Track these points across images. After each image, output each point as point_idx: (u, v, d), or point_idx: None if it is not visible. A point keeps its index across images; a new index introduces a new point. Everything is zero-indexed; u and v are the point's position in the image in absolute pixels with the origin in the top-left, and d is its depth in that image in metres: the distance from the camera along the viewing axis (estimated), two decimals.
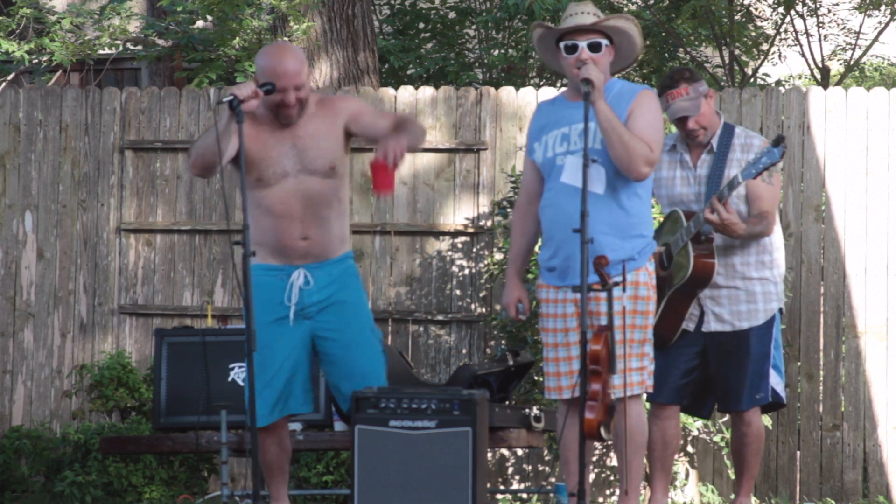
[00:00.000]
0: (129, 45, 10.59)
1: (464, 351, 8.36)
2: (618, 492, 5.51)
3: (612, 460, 7.95)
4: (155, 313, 8.55)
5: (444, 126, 8.45)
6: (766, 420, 7.75)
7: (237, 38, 9.79)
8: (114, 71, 12.01)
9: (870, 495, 8.01)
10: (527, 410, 6.72)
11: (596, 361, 5.08)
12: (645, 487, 7.03)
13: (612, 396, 5.16)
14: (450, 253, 8.42)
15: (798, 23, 12.97)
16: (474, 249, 8.39)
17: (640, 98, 5.35)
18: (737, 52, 12.63)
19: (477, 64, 12.10)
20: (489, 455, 8.03)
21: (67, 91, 8.79)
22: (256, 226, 5.36)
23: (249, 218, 5.29)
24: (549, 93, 8.25)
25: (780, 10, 12.71)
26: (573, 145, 5.33)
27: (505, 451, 8.21)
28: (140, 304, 8.59)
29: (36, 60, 10.18)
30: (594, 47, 5.34)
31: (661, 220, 6.03)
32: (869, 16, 12.89)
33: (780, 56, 13.68)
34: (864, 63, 15.28)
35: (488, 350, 8.34)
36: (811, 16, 12.85)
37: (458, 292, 8.40)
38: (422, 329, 8.42)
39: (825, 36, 13.22)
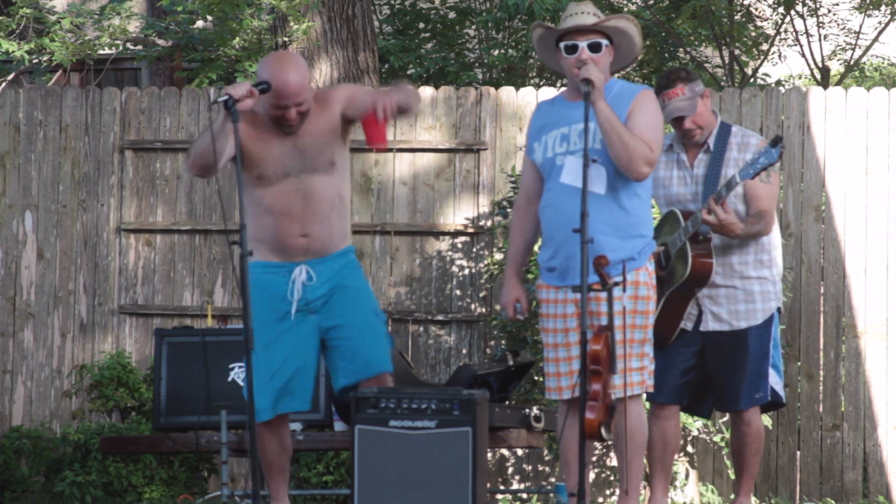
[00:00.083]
0: (129, 45, 10.59)
1: (464, 351, 8.37)
2: (618, 492, 5.51)
3: (612, 460, 7.95)
4: (155, 313, 8.55)
5: (444, 126, 8.45)
6: (766, 420, 7.75)
7: (237, 38, 9.79)
8: (114, 71, 12.01)
9: (870, 495, 8.01)
10: (527, 410, 6.72)
11: (596, 361, 5.08)
12: (645, 487, 7.03)
13: (613, 396, 5.17)
14: (450, 253, 8.42)
15: (798, 23, 12.97)
16: (474, 249, 8.39)
17: (639, 98, 5.35)
18: (737, 52, 12.63)
19: (477, 64, 12.10)
20: (489, 455, 8.03)
21: (67, 91, 8.79)
22: (256, 223, 5.38)
23: (249, 216, 5.32)
24: (549, 93, 8.25)
25: (780, 10, 12.71)
26: (573, 145, 5.33)
27: (505, 451, 8.21)
28: (140, 304, 8.59)
29: (36, 60, 10.19)
30: (594, 47, 5.34)
31: (659, 220, 6.03)
32: (869, 16, 12.88)
33: (780, 56, 13.68)
34: (864, 63, 15.27)
35: (488, 350, 8.34)
36: (811, 16, 12.85)
37: (458, 292, 8.40)
38: (422, 329, 8.42)
39: (825, 36, 13.22)
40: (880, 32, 12.87)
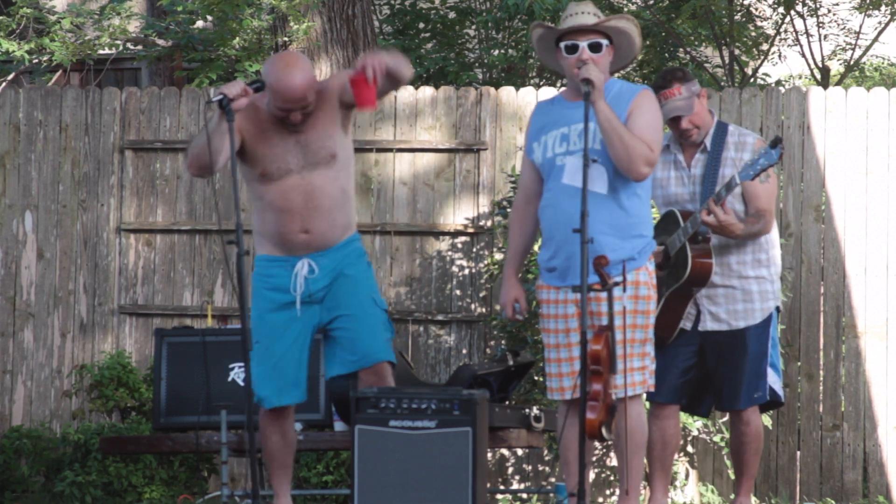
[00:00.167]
0: (129, 45, 10.59)
1: (464, 351, 8.37)
2: (618, 492, 5.51)
3: (612, 460, 7.95)
4: (155, 313, 8.55)
5: (444, 126, 8.45)
6: (766, 420, 7.75)
7: (237, 38, 9.79)
8: (114, 71, 12.01)
9: (870, 495, 8.01)
10: (527, 410, 6.72)
11: (597, 361, 5.08)
12: (645, 487, 7.03)
13: (614, 396, 5.17)
14: (450, 253, 8.42)
15: (798, 23, 12.97)
16: (474, 249, 8.39)
17: (639, 98, 5.35)
18: (737, 52, 12.63)
19: (477, 64, 12.10)
20: (489, 455, 8.03)
21: (67, 91, 8.79)
22: (260, 219, 5.42)
23: (253, 211, 5.38)
24: (549, 93, 8.25)
25: (780, 10, 12.71)
26: (573, 145, 5.33)
27: (505, 451, 8.21)
28: (140, 304, 8.59)
29: (36, 60, 10.18)
30: (594, 47, 5.34)
31: (658, 220, 6.03)
32: (869, 16, 12.88)
33: (780, 56, 13.67)
34: (864, 63, 15.27)
35: (488, 350, 8.34)
36: (811, 16, 12.85)
37: (458, 292, 8.40)
38: (422, 329, 8.42)
39: (825, 36, 13.22)
40: (880, 32, 12.87)
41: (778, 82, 14.87)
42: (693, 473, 8.09)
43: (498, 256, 8.27)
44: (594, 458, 7.89)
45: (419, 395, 5.09)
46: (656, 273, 5.59)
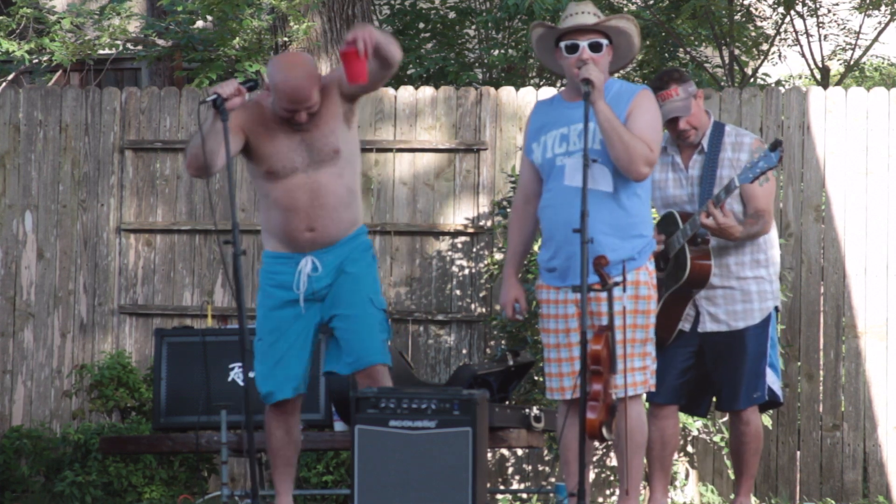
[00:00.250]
0: (129, 45, 10.59)
1: (464, 351, 8.36)
2: (618, 492, 5.51)
3: (612, 460, 7.95)
4: (155, 313, 8.55)
5: (444, 126, 8.45)
6: (766, 420, 7.75)
7: (237, 38, 9.78)
8: (114, 71, 12.01)
9: (870, 495, 8.01)
10: (527, 410, 6.72)
11: (597, 361, 5.08)
12: (645, 487, 7.03)
13: (614, 396, 5.17)
14: (450, 253, 8.42)
15: (798, 23, 12.96)
16: (474, 249, 8.39)
17: (638, 98, 5.35)
18: (737, 52, 12.62)
19: (477, 64, 12.09)
20: (489, 455, 8.03)
21: (67, 91, 8.79)
22: (265, 216, 5.45)
23: (260, 207, 5.41)
24: (549, 93, 8.25)
25: (780, 10, 12.70)
26: (572, 145, 5.33)
27: (505, 451, 8.21)
28: (140, 304, 8.59)
29: (36, 60, 10.18)
30: (595, 47, 5.34)
31: (657, 221, 6.03)
32: (869, 16, 12.88)
33: (780, 56, 13.66)
34: (864, 63, 15.26)
35: (488, 350, 8.34)
36: (811, 16, 12.84)
37: (458, 292, 8.40)
38: (422, 329, 8.42)
39: (825, 36, 13.21)
40: (880, 32, 12.86)
41: (778, 82, 14.87)
42: (693, 473, 8.09)
43: (498, 256, 8.27)
44: (594, 458, 7.89)
45: (419, 395, 5.09)
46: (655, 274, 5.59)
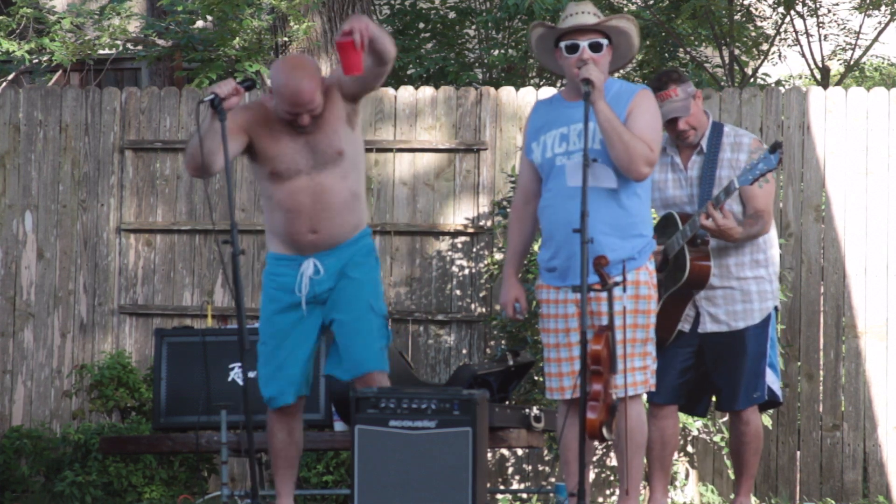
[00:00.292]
0: (129, 45, 10.59)
1: (464, 351, 8.36)
2: (618, 492, 5.51)
3: (612, 460, 7.95)
4: (155, 313, 8.55)
5: (444, 126, 8.45)
6: (766, 420, 7.75)
7: (237, 38, 9.78)
8: (114, 71, 12.01)
9: (870, 495, 8.01)
10: (527, 410, 6.72)
11: (597, 361, 5.08)
12: (645, 487, 7.03)
13: (614, 396, 5.17)
14: (450, 253, 8.42)
15: (798, 23, 12.96)
16: (474, 249, 8.39)
17: (638, 98, 5.35)
18: (737, 52, 12.62)
19: (477, 64, 12.09)
20: (489, 455, 8.03)
21: (67, 91, 8.79)
22: (269, 217, 5.45)
23: (264, 209, 5.41)
24: (548, 93, 8.24)
25: (780, 10, 12.70)
26: (572, 145, 5.33)
27: (505, 451, 8.21)
28: (140, 304, 8.59)
29: (36, 60, 10.18)
30: (595, 47, 5.34)
31: (657, 222, 6.02)
32: (869, 16, 12.87)
33: (780, 56, 13.66)
34: (864, 63, 15.26)
35: (488, 350, 8.34)
36: (811, 16, 12.84)
37: (458, 292, 8.40)
38: (422, 329, 8.42)
39: (825, 36, 13.21)
40: (880, 32, 12.86)
41: (778, 82, 14.87)
42: (693, 473, 8.09)
43: (498, 256, 8.27)
44: (594, 458, 7.89)
45: (419, 395, 5.09)
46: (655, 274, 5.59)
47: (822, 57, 13.10)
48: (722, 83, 12.28)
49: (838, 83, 12.86)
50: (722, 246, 5.87)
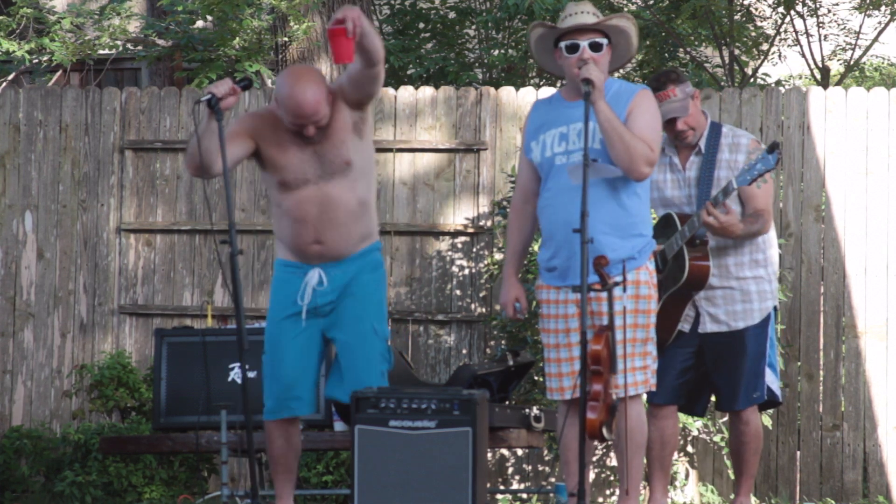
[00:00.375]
0: (129, 45, 10.59)
1: (464, 351, 8.36)
2: (618, 492, 5.51)
3: (612, 460, 7.95)
4: (155, 313, 8.55)
5: (444, 126, 8.45)
6: (766, 420, 7.75)
7: (237, 38, 9.78)
8: (114, 71, 12.01)
9: (870, 495, 8.01)
10: (527, 410, 6.72)
11: (597, 361, 5.08)
12: (645, 487, 7.03)
13: (614, 396, 5.17)
14: (450, 253, 8.42)
15: (798, 23, 12.96)
16: (474, 249, 8.39)
17: (638, 98, 5.35)
18: (737, 52, 12.62)
19: (477, 64, 12.09)
20: (489, 455, 8.03)
21: (67, 91, 8.79)
22: (277, 224, 5.45)
23: (272, 215, 5.42)
24: (549, 93, 8.24)
25: (780, 10, 12.70)
26: (571, 145, 5.33)
27: (505, 451, 8.21)
28: (140, 304, 8.59)
29: (36, 60, 10.18)
30: (595, 47, 5.34)
31: (656, 223, 6.02)
32: (869, 16, 12.87)
33: (780, 56, 13.66)
34: (864, 63, 15.26)
35: (488, 350, 8.34)
36: (811, 16, 12.84)
37: (458, 292, 8.40)
38: (422, 329, 8.42)
39: (825, 36, 13.21)
40: (880, 32, 12.86)
41: (778, 82, 14.87)
42: (693, 473, 8.09)
43: (498, 256, 8.27)
44: (594, 458, 7.89)
45: (419, 395, 5.09)
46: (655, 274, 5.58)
47: (822, 57, 13.10)
48: (722, 83, 12.28)
49: (838, 83, 12.86)
50: (721, 246, 5.87)
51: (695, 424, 7.84)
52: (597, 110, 5.19)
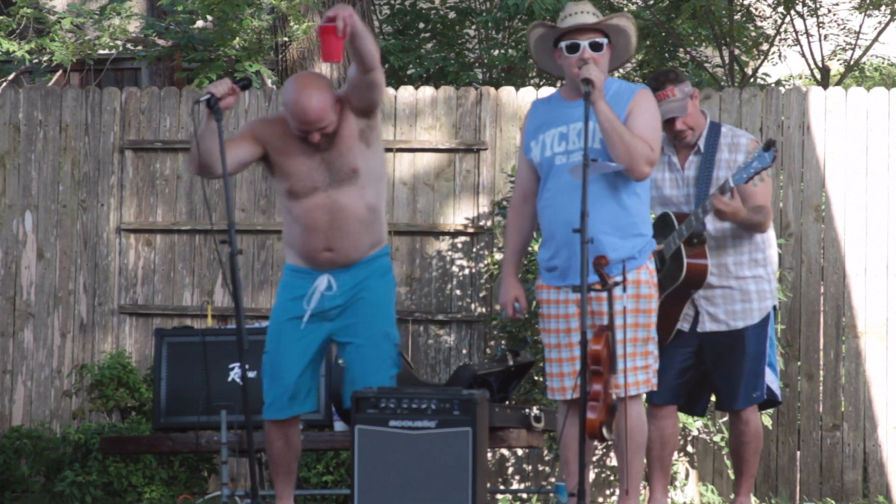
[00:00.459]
0: (129, 45, 10.59)
1: (464, 351, 8.36)
2: (618, 492, 5.51)
3: (612, 460, 7.95)
4: (155, 313, 8.55)
5: (444, 126, 8.45)
6: (766, 420, 7.75)
7: (237, 38, 9.79)
8: (114, 71, 12.01)
9: (870, 495, 8.01)
10: (527, 410, 6.72)
11: (597, 361, 5.08)
12: (645, 487, 7.03)
13: (614, 396, 5.17)
14: (450, 253, 8.42)
15: (798, 23, 12.96)
16: (474, 249, 8.39)
17: (638, 98, 5.35)
18: (737, 52, 12.62)
19: (477, 64, 12.10)
20: (489, 455, 8.03)
21: (67, 91, 8.79)
22: (287, 231, 5.47)
23: (284, 221, 5.42)
24: (549, 93, 8.23)
25: (780, 10, 12.70)
26: (571, 144, 5.33)
27: (505, 451, 8.21)
28: (140, 304, 8.59)
29: (36, 60, 10.18)
30: (595, 46, 5.34)
31: (654, 222, 6.02)
32: (869, 16, 12.87)
33: (780, 56, 13.67)
34: (864, 63, 15.26)
35: (488, 350, 8.34)
36: (811, 16, 12.84)
37: (458, 292, 8.40)
38: (422, 329, 8.42)
39: (825, 36, 13.21)
40: (880, 32, 12.86)
41: (778, 82, 14.87)
42: (693, 473, 8.09)
43: (498, 256, 8.27)
44: (594, 458, 7.89)
45: (419, 395, 5.09)
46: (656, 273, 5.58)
47: (822, 57, 13.10)
48: (722, 83, 12.28)
49: (838, 83, 12.86)
50: (721, 245, 5.88)
51: (695, 424, 7.84)
52: (597, 110, 5.19)
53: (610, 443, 5.45)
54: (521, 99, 8.42)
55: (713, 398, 6.17)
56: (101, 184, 8.66)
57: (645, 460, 5.76)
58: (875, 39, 12.95)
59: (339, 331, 5.45)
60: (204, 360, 6.66)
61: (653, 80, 5.97)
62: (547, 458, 8.19)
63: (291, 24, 9.65)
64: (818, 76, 13.06)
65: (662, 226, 5.90)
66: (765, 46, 13.05)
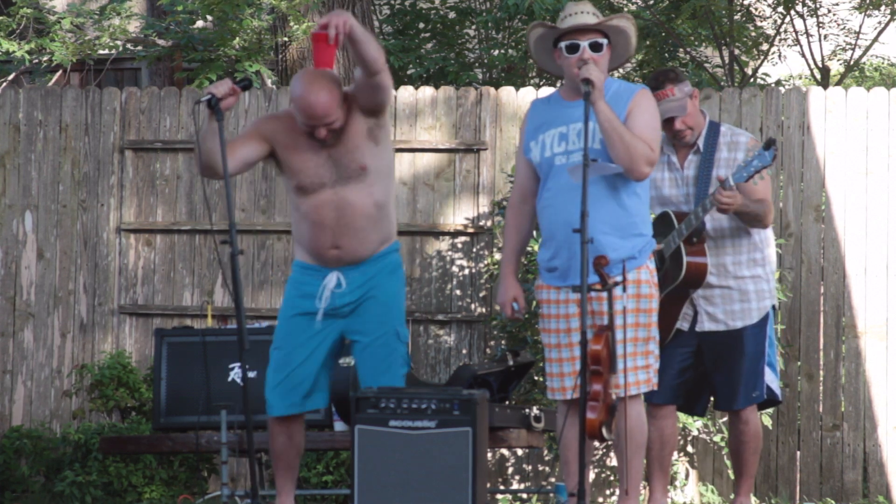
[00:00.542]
0: (129, 45, 10.59)
1: (464, 351, 8.36)
2: (618, 492, 5.51)
3: (612, 460, 7.95)
4: (155, 313, 8.55)
5: (444, 126, 8.45)
6: (766, 420, 7.75)
7: (237, 38, 9.78)
8: (114, 71, 12.01)
9: (870, 495, 8.01)
10: (527, 410, 6.72)
11: (597, 361, 5.08)
12: (645, 487, 7.03)
13: (614, 396, 5.17)
14: (450, 253, 8.42)
15: (798, 23, 12.96)
16: (474, 249, 8.39)
17: (637, 98, 5.35)
18: (737, 52, 12.62)
19: (477, 64, 12.09)
20: (489, 455, 8.03)
21: (67, 91, 8.79)
22: (296, 227, 5.46)
23: (292, 218, 5.42)
24: (548, 93, 8.23)
25: (780, 10, 12.70)
26: (571, 145, 5.33)
27: (505, 451, 8.21)
28: (140, 304, 8.59)
29: (36, 60, 10.18)
30: (595, 47, 5.34)
31: (653, 221, 6.02)
32: (869, 16, 12.87)
33: (780, 56, 13.66)
34: (864, 63, 15.26)
35: (488, 350, 8.34)
36: (811, 16, 12.84)
37: (458, 292, 8.40)
38: (422, 329, 8.42)
39: (825, 36, 13.21)
40: (880, 32, 12.86)
41: (778, 82, 14.86)
42: (693, 473, 8.09)
43: (498, 256, 8.27)
44: (594, 458, 7.89)
45: (419, 395, 5.09)
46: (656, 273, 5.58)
47: (822, 57, 13.10)
48: (722, 83, 12.28)
49: (838, 83, 12.86)
50: (720, 245, 5.88)
51: (695, 424, 7.84)
52: (597, 110, 5.19)
53: (610, 443, 5.45)
54: (521, 99, 8.42)
55: (713, 398, 6.17)
56: (101, 184, 8.66)
57: (645, 460, 5.76)
58: (875, 39, 12.94)
59: (350, 328, 5.45)
60: (204, 360, 6.67)
61: (652, 79, 5.97)
62: (547, 458, 8.19)
63: (291, 24, 9.65)
64: (818, 76, 13.05)
65: (662, 225, 5.90)
66: (765, 46, 13.04)
